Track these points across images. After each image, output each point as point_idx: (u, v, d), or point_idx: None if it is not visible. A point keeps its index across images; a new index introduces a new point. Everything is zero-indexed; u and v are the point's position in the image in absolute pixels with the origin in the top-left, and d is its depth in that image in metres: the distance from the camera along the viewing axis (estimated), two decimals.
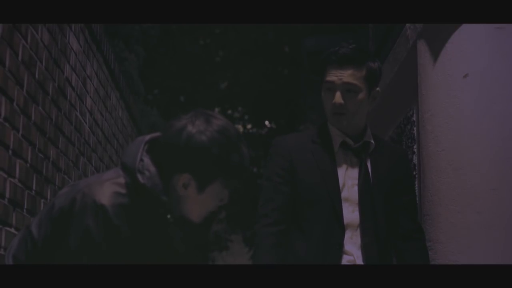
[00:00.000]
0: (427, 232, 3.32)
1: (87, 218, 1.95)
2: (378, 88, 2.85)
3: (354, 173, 2.84)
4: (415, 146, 4.03)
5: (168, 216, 2.06)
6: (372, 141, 2.86)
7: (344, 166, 2.84)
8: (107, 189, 1.99)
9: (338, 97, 2.77)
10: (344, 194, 2.82)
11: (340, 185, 2.82)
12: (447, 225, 3.24)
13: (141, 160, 2.04)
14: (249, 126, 14.49)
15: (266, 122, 14.28)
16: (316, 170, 2.82)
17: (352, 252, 2.78)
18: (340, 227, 2.78)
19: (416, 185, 3.97)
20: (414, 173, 3.99)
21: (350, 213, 2.81)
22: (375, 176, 2.84)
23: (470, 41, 3.29)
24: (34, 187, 3.28)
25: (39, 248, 2.04)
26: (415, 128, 4.05)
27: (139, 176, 2.02)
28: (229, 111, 14.33)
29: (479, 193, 3.20)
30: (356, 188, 2.82)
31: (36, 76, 3.27)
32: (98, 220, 1.95)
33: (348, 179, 2.83)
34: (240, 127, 14.41)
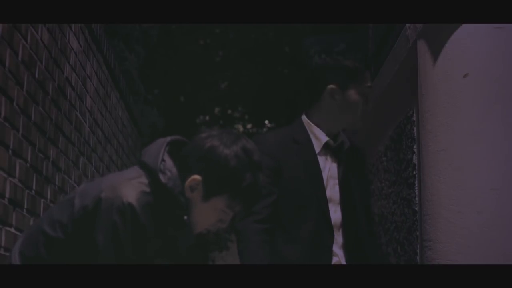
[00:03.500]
0: (426, 232, 3.33)
1: (113, 215, 1.96)
2: None
3: (334, 173, 2.86)
4: (415, 146, 4.03)
5: (185, 218, 2.07)
6: (347, 140, 2.90)
7: (327, 167, 2.86)
8: (133, 188, 2.01)
9: (369, 102, 2.89)
10: (327, 194, 2.83)
11: (324, 185, 2.83)
12: (446, 225, 3.24)
13: (163, 160, 2.06)
14: (249, 126, 14.48)
15: (266, 122, 14.27)
16: (302, 172, 2.82)
17: (337, 252, 2.79)
18: (330, 229, 2.79)
19: (416, 185, 3.97)
20: (414, 173, 3.99)
21: (333, 213, 2.83)
22: (350, 175, 2.85)
23: (470, 41, 3.29)
24: (34, 187, 3.28)
25: (56, 247, 2.04)
26: (415, 128, 4.05)
27: (161, 176, 2.04)
28: (229, 111, 14.33)
29: (479, 193, 3.20)
30: (337, 187, 2.83)
31: (36, 76, 3.27)
32: (126, 218, 1.96)
33: (330, 179, 2.84)
34: (240, 127, 14.41)
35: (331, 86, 2.91)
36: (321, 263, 2.75)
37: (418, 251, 3.86)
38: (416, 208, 3.95)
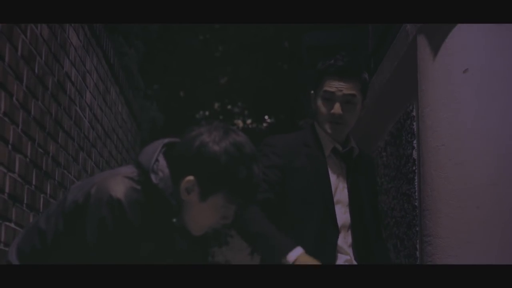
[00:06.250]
0: (426, 227, 3.33)
1: (102, 210, 1.96)
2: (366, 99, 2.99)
3: (343, 176, 2.95)
4: (414, 141, 4.03)
5: (174, 220, 2.06)
6: (356, 147, 2.95)
7: (336, 170, 2.95)
8: (123, 184, 2.01)
9: (337, 108, 2.87)
10: (336, 196, 2.92)
11: (333, 188, 2.92)
12: (446, 220, 3.25)
13: (157, 160, 2.06)
14: (249, 121, 14.48)
15: (266, 117, 14.27)
16: (310, 173, 2.89)
17: (348, 251, 2.86)
18: (335, 228, 2.85)
19: (416, 180, 3.98)
20: (414, 168, 4.00)
21: (342, 215, 2.92)
22: (360, 180, 2.96)
23: (470, 36, 3.29)
24: (33, 182, 3.29)
25: (49, 242, 2.04)
26: (414, 123, 4.05)
27: (153, 176, 2.03)
28: (229, 106, 14.33)
29: (479, 188, 3.20)
30: (346, 190, 2.93)
31: (36, 71, 3.27)
32: (114, 213, 1.96)
33: (340, 182, 2.93)
34: (240, 122, 14.41)
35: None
36: (325, 262, 2.79)
37: (417, 246, 3.87)
38: (416, 203, 3.95)
